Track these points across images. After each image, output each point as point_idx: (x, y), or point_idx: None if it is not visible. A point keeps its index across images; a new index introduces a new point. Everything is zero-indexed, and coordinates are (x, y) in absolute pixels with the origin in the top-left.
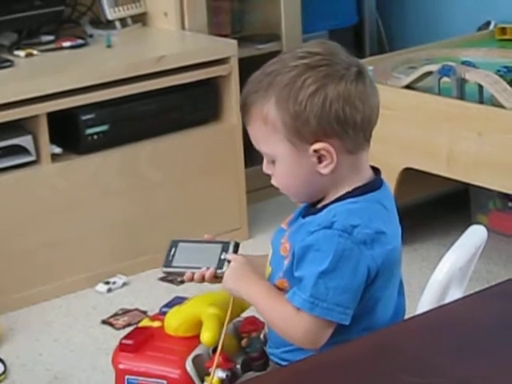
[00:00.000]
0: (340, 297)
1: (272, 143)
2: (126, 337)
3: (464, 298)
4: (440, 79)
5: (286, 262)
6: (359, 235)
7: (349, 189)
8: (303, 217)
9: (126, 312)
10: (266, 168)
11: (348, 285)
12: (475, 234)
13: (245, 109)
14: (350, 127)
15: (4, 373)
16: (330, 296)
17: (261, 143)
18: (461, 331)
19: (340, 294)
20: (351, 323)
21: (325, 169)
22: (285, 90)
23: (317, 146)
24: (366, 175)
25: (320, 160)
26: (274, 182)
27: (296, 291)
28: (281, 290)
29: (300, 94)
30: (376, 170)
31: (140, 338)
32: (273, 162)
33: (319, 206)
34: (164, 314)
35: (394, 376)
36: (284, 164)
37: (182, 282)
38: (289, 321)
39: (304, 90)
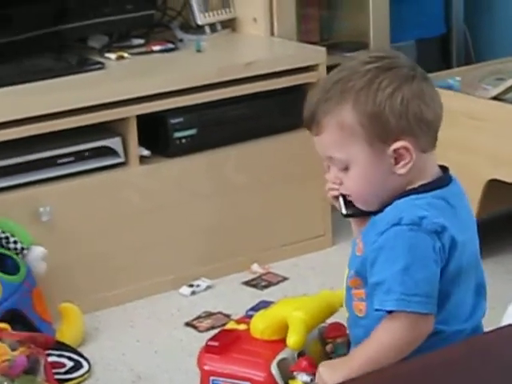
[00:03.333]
0: (428, 287)
1: (348, 148)
2: (212, 339)
3: None
4: None
5: (359, 260)
6: (429, 225)
7: (414, 186)
8: (374, 214)
9: (209, 315)
10: (334, 178)
11: (432, 274)
12: None
13: (315, 119)
14: (425, 125)
15: (88, 371)
16: (420, 289)
17: (334, 150)
18: None
19: (427, 285)
20: None
21: (402, 169)
22: (361, 93)
23: (396, 145)
24: (433, 173)
25: (397, 161)
26: (344, 189)
27: (383, 297)
28: (354, 288)
29: (378, 95)
30: (444, 169)
31: (226, 340)
32: (345, 170)
33: None
34: (250, 317)
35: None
36: (360, 168)
37: (266, 286)
38: (395, 337)
39: (381, 91)
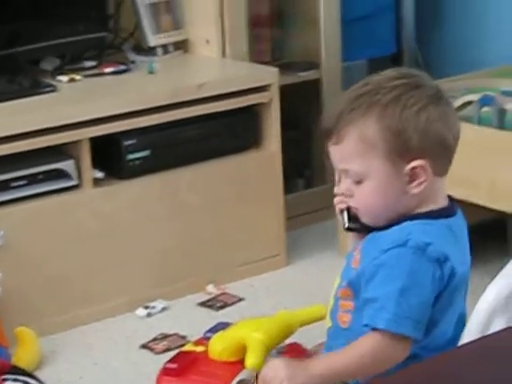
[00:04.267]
0: (420, 313)
1: (367, 161)
2: (170, 361)
3: (508, 328)
4: (480, 109)
5: (354, 272)
6: (433, 253)
7: (423, 210)
8: (377, 230)
9: (165, 337)
10: (345, 189)
11: (426, 301)
12: None
13: (336, 127)
14: (444, 148)
15: None
16: (413, 313)
17: (352, 161)
18: (505, 362)
19: (420, 311)
20: None
21: (416, 188)
22: (388, 108)
23: (414, 163)
24: (442, 201)
25: (411, 179)
26: (353, 202)
27: (375, 314)
28: (342, 299)
29: (404, 112)
30: (450, 198)
31: (184, 362)
32: (358, 182)
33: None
34: (208, 338)
35: None
36: (375, 182)
37: (222, 307)
38: (373, 353)
39: (408, 108)
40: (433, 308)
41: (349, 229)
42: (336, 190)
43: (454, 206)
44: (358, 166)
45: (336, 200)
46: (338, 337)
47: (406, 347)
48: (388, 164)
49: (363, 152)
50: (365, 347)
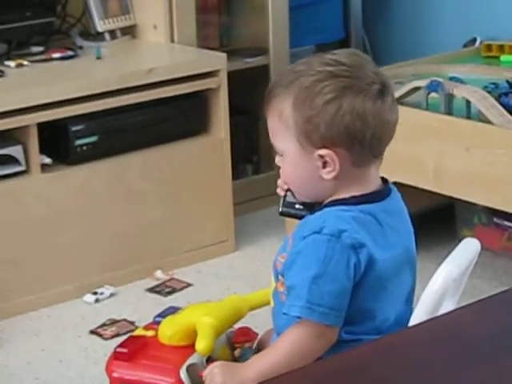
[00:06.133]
0: (334, 300)
1: (283, 139)
2: (120, 345)
3: (456, 310)
4: (428, 94)
5: (284, 255)
6: (348, 240)
7: (345, 195)
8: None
9: (113, 322)
10: (277, 160)
11: (341, 288)
12: (469, 247)
13: (268, 99)
14: (357, 141)
15: None
16: (325, 300)
17: (274, 136)
18: (454, 343)
19: (334, 298)
20: (342, 334)
21: (327, 175)
22: (304, 92)
23: (322, 151)
24: (370, 188)
25: (324, 165)
26: (281, 176)
27: (292, 302)
28: (280, 282)
29: (316, 99)
30: (385, 182)
31: (134, 347)
32: (281, 157)
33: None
34: (158, 323)
35: None
36: (290, 161)
37: (170, 292)
38: (299, 344)
39: (321, 96)
40: (359, 296)
41: (282, 213)
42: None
43: (386, 190)
44: (276, 141)
45: (278, 182)
46: (281, 316)
47: (327, 335)
48: (298, 146)
49: (281, 129)
50: (288, 341)
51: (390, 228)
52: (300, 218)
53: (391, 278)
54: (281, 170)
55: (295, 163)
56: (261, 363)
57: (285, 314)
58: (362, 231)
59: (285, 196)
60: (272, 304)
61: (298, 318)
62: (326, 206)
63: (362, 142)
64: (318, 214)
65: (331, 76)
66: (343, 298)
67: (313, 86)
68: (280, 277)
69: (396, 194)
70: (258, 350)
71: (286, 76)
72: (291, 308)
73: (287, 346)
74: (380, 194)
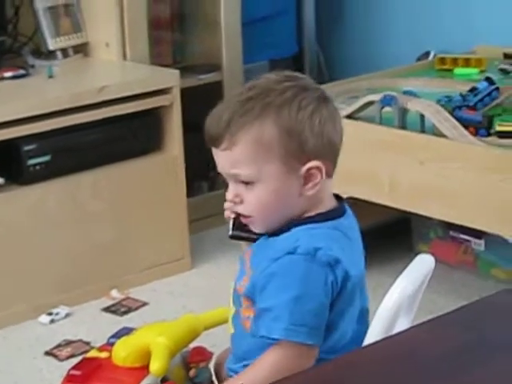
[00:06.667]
0: (315, 319)
1: (260, 164)
2: (74, 367)
3: (411, 328)
4: (382, 109)
5: (246, 279)
6: (323, 257)
7: (311, 214)
8: (268, 236)
9: (69, 343)
10: (233, 196)
11: (320, 307)
12: (423, 263)
13: (227, 132)
14: (334, 149)
15: None
16: (308, 320)
17: (243, 165)
18: (410, 362)
19: (315, 317)
20: None
21: (310, 190)
22: (283, 109)
23: (310, 164)
24: (330, 203)
25: (306, 181)
26: (243, 209)
27: (270, 324)
28: (244, 306)
29: (299, 113)
30: (339, 199)
31: (88, 369)
32: (249, 186)
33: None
34: (112, 344)
35: None
36: (268, 185)
37: (126, 312)
38: (278, 366)
39: (302, 110)
40: (330, 312)
41: (232, 237)
42: (227, 194)
43: (343, 206)
44: (250, 170)
45: (225, 205)
46: (243, 342)
47: (308, 355)
48: (282, 167)
49: (257, 155)
50: (267, 363)
51: (356, 243)
52: (252, 241)
53: (356, 293)
54: (243, 204)
55: (274, 186)
56: None
57: (262, 337)
58: (336, 247)
59: (235, 218)
60: (232, 329)
61: (273, 339)
62: (292, 225)
63: (335, 148)
64: (286, 234)
65: (300, 90)
66: (323, 316)
67: (289, 102)
68: (244, 301)
69: (350, 211)
70: (215, 370)
71: (245, 104)
72: (272, 331)
73: (266, 368)
74: (340, 211)
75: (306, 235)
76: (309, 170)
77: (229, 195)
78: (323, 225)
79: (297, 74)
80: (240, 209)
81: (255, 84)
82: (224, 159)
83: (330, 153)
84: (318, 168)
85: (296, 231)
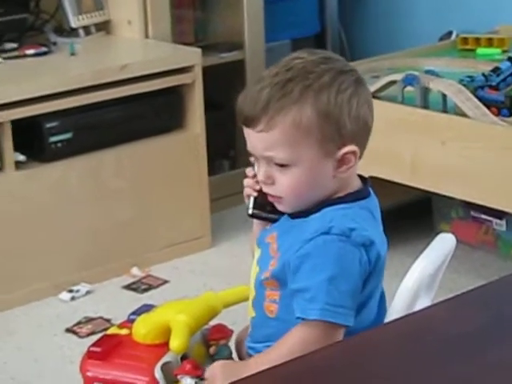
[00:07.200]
0: (351, 300)
1: (297, 148)
2: (94, 344)
3: (431, 306)
4: (404, 88)
5: (274, 263)
6: (358, 238)
7: (341, 194)
8: (292, 217)
9: (89, 320)
10: (265, 177)
11: (355, 287)
12: (444, 242)
13: (266, 115)
14: (368, 131)
15: None
16: (345, 301)
17: (280, 149)
18: (428, 340)
19: (351, 297)
20: None
21: (344, 173)
22: (322, 93)
23: (347, 148)
24: (357, 183)
25: (340, 165)
26: (273, 190)
27: (306, 305)
28: (268, 289)
29: (338, 97)
30: (363, 179)
31: (108, 346)
32: (281, 168)
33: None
34: (132, 321)
35: None
36: (303, 169)
37: (146, 289)
38: (307, 344)
39: (342, 93)
40: (361, 293)
41: (252, 215)
42: (248, 171)
43: (368, 186)
44: (286, 153)
45: (245, 182)
46: (266, 326)
47: (336, 336)
48: (319, 151)
49: (294, 140)
50: (293, 340)
51: (380, 224)
52: (270, 221)
53: (382, 275)
54: (275, 186)
55: (311, 169)
56: (263, 363)
57: (298, 318)
58: (369, 228)
59: (256, 197)
60: (252, 313)
61: (309, 321)
62: (323, 206)
63: (369, 131)
64: (317, 214)
65: (339, 73)
66: (357, 297)
67: (328, 85)
68: (270, 284)
69: (373, 194)
70: (236, 347)
71: (283, 86)
72: (308, 312)
73: (291, 346)
74: (366, 191)
75: (338, 216)
76: (345, 154)
77: (260, 176)
78: (354, 204)
79: (331, 53)
80: (271, 190)
81: (292, 65)
82: (258, 140)
83: (364, 136)
84: (353, 152)
85: (327, 212)
